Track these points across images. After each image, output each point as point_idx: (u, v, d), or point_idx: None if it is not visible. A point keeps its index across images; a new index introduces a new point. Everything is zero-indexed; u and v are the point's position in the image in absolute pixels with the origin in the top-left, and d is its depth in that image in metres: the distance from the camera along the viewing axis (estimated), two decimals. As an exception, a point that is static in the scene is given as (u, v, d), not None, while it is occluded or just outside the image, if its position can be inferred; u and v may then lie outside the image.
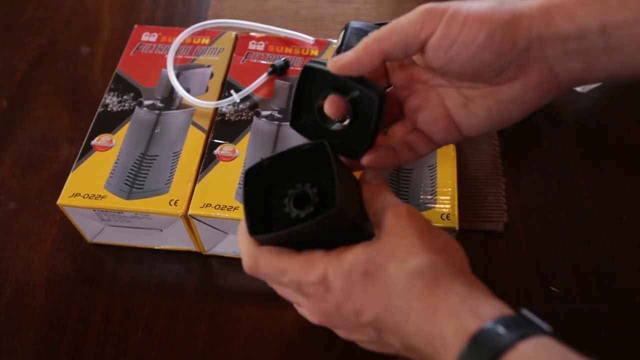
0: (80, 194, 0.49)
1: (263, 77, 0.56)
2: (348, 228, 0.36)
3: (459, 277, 0.32)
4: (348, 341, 0.38)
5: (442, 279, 0.32)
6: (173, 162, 0.51)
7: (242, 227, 0.36)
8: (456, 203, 0.48)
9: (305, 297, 0.36)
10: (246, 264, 0.36)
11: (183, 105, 0.55)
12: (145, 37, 0.61)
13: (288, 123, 0.53)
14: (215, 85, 0.57)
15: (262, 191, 0.38)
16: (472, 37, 0.34)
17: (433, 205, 0.47)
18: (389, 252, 0.33)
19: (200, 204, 0.48)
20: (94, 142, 0.52)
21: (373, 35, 0.36)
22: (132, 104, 0.55)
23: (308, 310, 0.38)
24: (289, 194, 0.37)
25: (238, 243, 0.37)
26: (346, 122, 0.39)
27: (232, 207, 0.47)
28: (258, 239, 0.36)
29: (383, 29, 0.36)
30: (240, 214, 0.47)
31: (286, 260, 0.34)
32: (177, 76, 0.57)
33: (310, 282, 0.34)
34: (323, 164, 0.37)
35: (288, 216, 0.37)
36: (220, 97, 0.56)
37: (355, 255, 0.33)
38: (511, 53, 0.35)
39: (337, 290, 0.33)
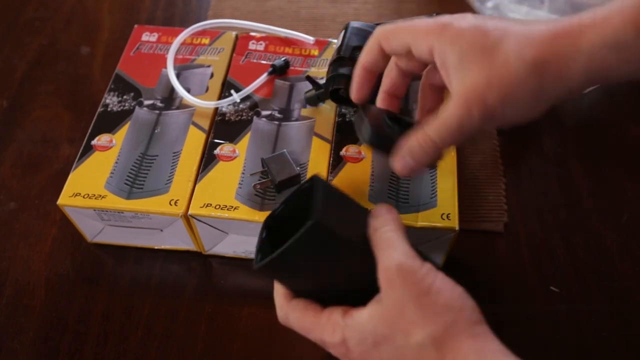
0: (80, 194, 0.49)
1: (263, 77, 0.56)
2: (347, 258, 0.35)
3: (463, 340, 0.32)
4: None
5: (447, 349, 0.32)
6: (173, 162, 0.51)
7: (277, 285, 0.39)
8: (456, 203, 0.47)
9: (331, 350, 0.37)
10: (278, 315, 0.39)
11: (183, 105, 0.55)
12: (145, 37, 0.61)
13: (288, 123, 0.53)
14: (216, 85, 0.57)
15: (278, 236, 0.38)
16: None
17: (433, 205, 0.47)
18: (392, 324, 0.33)
19: (201, 203, 0.48)
20: (94, 142, 0.52)
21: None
22: (132, 104, 0.55)
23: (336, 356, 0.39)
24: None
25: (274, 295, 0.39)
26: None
27: (232, 206, 0.47)
28: (258, 268, 0.36)
29: None
30: (240, 213, 0.47)
31: (311, 319, 0.37)
32: (177, 76, 0.57)
33: (333, 343, 0.36)
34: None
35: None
36: (220, 97, 0.56)
37: (364, 325, 0.34)
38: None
39: (356, 353, 0.35)
